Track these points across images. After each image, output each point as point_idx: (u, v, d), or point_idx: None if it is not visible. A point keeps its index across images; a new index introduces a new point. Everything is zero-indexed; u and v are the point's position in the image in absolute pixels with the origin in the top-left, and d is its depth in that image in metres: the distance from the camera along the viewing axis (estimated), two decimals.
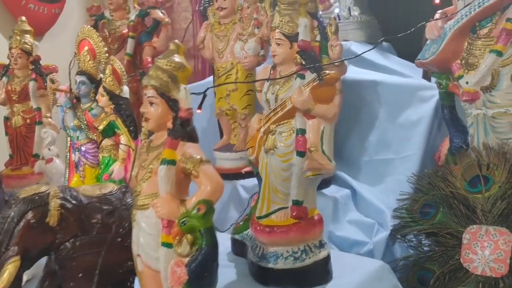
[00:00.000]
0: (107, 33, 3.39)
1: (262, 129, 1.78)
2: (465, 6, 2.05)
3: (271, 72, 1.85)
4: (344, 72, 2.57)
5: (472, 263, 1.92)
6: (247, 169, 2.76)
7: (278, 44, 1.74)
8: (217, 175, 1.40)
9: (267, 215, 1.79)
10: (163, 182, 1.39)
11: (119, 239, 1.57)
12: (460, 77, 2.11)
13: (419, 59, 2.25)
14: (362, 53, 2.11)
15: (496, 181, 1.99)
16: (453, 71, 2.15)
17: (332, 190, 2.57)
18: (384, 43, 3.27)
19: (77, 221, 1.52)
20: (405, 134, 2.54)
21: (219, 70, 2.83)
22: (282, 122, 1.73)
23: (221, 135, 2.97)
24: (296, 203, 1.73)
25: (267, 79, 1.78)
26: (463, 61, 2.11)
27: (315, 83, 1.60)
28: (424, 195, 2.13)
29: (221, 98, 2.82)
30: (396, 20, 3.17)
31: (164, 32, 3.38)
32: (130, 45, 3.33)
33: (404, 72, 2.84)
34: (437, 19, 2.16)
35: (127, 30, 3.35)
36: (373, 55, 2.96)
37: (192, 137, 1.45)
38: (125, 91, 2.29)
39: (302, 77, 1.67)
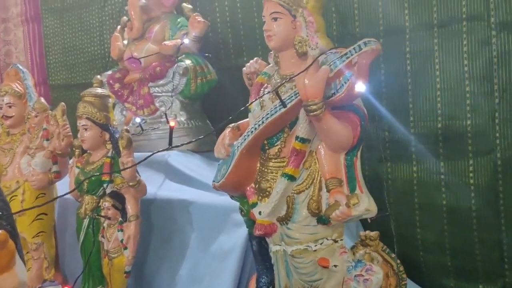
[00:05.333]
0: None
1: None
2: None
3: None
4: (144, 193, 2.15)
5: None
6: None
7: None
8: None
9: None
10: None
11: None
12: (254, 204, 1.73)
13: (213, 181, 1.86)
14: None
15: None
16: (247, 197, 1.76)
17: None
18: None
19: None
20: (216, 267, 2.08)
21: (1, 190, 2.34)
22: None
23: None
24: None
25: None
26: (257, 185, 1.74)
27: None
28: None
29: None
30: None
31: None
32: None
33: None
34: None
35: None
36: (198, 168, 2.57)
37: None
38: None
39: None
